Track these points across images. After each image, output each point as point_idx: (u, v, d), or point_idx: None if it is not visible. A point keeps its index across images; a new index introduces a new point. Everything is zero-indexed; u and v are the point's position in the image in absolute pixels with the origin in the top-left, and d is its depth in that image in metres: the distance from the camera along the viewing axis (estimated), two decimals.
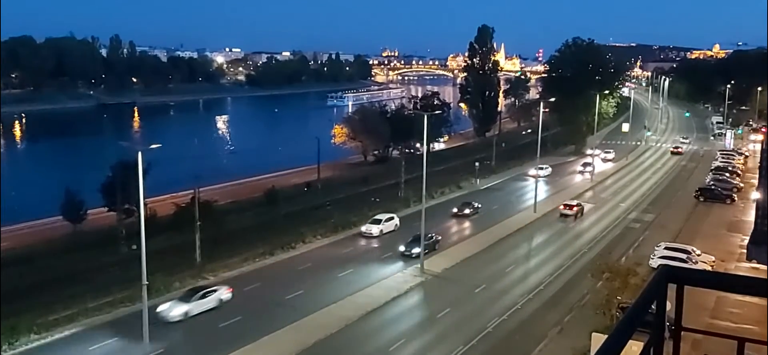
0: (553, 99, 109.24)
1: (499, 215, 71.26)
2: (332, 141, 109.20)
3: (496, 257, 58.12)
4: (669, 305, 3.77)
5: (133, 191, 47.53)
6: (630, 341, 3.26)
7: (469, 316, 44.48)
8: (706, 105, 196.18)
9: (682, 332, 4.05)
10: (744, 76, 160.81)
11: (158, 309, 41.45)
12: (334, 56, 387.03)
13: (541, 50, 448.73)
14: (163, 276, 47.73)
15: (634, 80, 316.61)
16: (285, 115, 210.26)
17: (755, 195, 63.10)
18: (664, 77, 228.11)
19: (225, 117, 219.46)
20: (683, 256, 51.40)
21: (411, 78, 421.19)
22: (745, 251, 54.34)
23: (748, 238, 57.79)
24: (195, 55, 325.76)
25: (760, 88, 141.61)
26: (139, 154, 36.96)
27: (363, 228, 63.37)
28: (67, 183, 69.12)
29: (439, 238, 59.95)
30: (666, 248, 54.48)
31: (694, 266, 48.04)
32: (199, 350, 38.89)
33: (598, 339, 34.28)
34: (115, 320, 42.65)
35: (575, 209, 72.13)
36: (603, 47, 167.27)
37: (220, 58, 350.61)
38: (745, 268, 51.46)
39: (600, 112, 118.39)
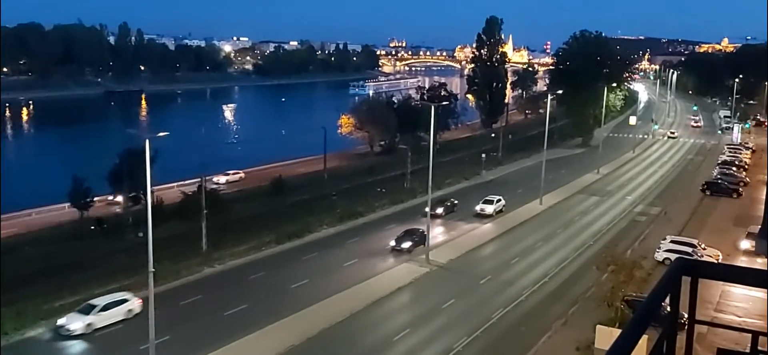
0: (560, 91, 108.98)
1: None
2: (339, 131, 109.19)
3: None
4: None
5: (141, 179, 47.74)
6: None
7: (474, 307, 44.62)
8: (714, 99, 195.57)
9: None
10: (752, 70, 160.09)
11: (59, 322, 39.43)
12: (341, 46, 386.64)
13: (548, 42, 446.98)
14: (169, 264, 48.03)
15: (642, 73, 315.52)
16: (292, 105, 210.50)
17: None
18: (672, 71, 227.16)
19: (232, 106, 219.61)
20: (688, 249, 51.36)
21: (418, 69, 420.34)
22: (747, 244, 54.38)
23: (754, 231, 57.87)
24: (203, 43, 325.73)
25: (767, 82, 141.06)
26: (147, 142, 37.01)
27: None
28: (75, 170, 69.33)
29: (425, 232, 56.65)
30: (672, 242, 54.50)
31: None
32: (206, 338, 39.06)
33: (603, 331, 34.43)
34: None
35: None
36: (611, 40, 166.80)
37: (227, 47, 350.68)
38: (748, 262, 51.57)
39: (607, 105, 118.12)
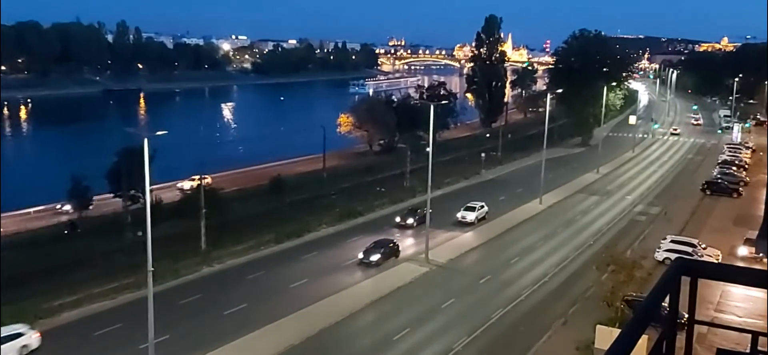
0: (560, 90, 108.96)
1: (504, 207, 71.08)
2: (338, 130, 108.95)
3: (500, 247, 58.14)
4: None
5: (139, 178, 47.51)
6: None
7: (474, 306, 44.48)
8: (713, 98, 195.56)
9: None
10: (752, 69, 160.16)
11: None
12: (340, 45, 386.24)
13: (548, 41, 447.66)
14: (168, 263, 47.86)
15: (641, 73, 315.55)
16: (291, 104, 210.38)
17: None
18: (672, 70, 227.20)
19: (231, 105, 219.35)
20: (689, 249, 51.25)
21: (417, 67, 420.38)
22: (745, 251, 53.71)
23: (755, 231, 57.55)
24: (201, 42, 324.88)
25: (767, 82, 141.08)
26: (145, 140, 36.84)
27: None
28: (73, 169, 69.17)
29: (398, 245, 55.06)
30: (672, 241, 54.34)
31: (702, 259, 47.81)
32: (205, 337, 38.90)
33: (603, 331, 34.27)
34: (119, 306, 42.88)
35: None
36: (611, 39, 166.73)
37: (226, 46, 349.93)
38: (748, 260, 51.43)
39: (607, 104, 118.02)
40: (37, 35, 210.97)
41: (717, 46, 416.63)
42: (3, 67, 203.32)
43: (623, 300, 40.09)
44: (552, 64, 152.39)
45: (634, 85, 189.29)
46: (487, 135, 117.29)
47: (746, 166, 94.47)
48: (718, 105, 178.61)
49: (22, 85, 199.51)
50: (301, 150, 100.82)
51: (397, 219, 63.40)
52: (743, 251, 53.71)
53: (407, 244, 57.50)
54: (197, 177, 76.73)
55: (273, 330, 39.86)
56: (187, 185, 76.94)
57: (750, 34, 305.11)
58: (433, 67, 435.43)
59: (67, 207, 68.91)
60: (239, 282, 47.93)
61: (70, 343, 38.29)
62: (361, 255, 52.44)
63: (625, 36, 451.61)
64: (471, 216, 64.22)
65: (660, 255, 52.21)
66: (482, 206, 66.28)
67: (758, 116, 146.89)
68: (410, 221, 62.54)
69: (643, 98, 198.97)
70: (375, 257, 51.81)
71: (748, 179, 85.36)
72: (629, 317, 35.70)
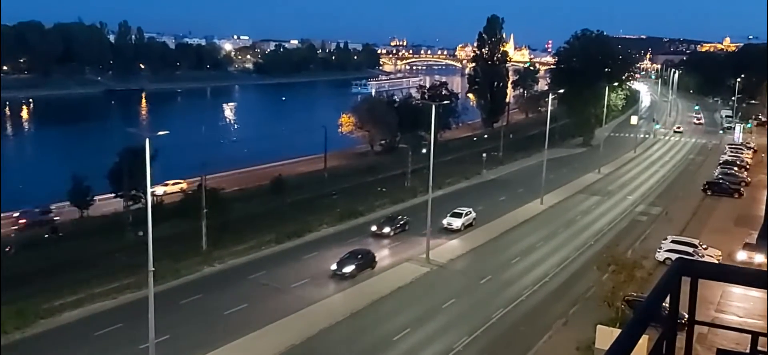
0: (561, 91, 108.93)
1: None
2: (339, 130, 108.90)
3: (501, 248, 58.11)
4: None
5: (140, 178, 47.52)
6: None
7: (475, 306, 44.48)
8: (715, 98, 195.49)
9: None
10: (754, 69, 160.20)
11: None
12: (342, 45, 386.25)
13: (550, 41, 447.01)
14: (169, 262, 47.90)
15: (643, 73, 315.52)
16: (293, 104, 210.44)
17: None
18: (673, 70, 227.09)
19: (232, 105, 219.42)
20: (689, 249, 51.21)
21: (419, 68, 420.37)
22: (744, 256, 53.26)
23: (755, 232, 57.49)
24: (203, 42, 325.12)
25: None
26: (147, 141, 36.89)
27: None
28: (74, 169, 69.13)
29: (375, 254, 52.08)
30: (672, 241, 54.30)
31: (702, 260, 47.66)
32: (206, 337, 38.96)
33: (603, 331, 34.28)
34: (120, 306, 42.90)
35: None
36: (612, 39, 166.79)
37: (228, 46, 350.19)
38: (744, 261, 51.29)
39: (608, 105, 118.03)
40: (39, 35, 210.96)
41: (719, 46, 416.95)
42: (5, 67, 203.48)
43: (624, 300, 40.09)
44: (554, 65, 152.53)
45: (635, 85, 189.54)
46: (487, 136, 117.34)
47: (747, 166, 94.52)
48: (719, 105, 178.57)
49: (24, 85, 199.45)
50: (303, 150, 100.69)
51: (373, 228, 60.33)
52: (742, 255, 52.53)
53: (384, 254, 54.87)
54: (171, 182, 75.65)
55: (274, 330, 39.85)
56: (160, 190, 73.16)
57: (752, 35, 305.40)
58: (435, 67, 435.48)
59: (23, 220, 64.46)
60: (240, 282, 47.93)
61: (71, 343, 38.31)
62: (334, 266, 49.24)
63: (626, 36, 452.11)
64: (457, 223, 61.87)
65: (661, 255, 52.20)
66: (469, 212, 63.97)
67: (760, 116, 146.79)
68: (387, 229, 59.59)
69: (645, 98, 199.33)
70: (349, 269, 48.80)
71: (749, 179, 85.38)
72: (630, 317, 35.77)
